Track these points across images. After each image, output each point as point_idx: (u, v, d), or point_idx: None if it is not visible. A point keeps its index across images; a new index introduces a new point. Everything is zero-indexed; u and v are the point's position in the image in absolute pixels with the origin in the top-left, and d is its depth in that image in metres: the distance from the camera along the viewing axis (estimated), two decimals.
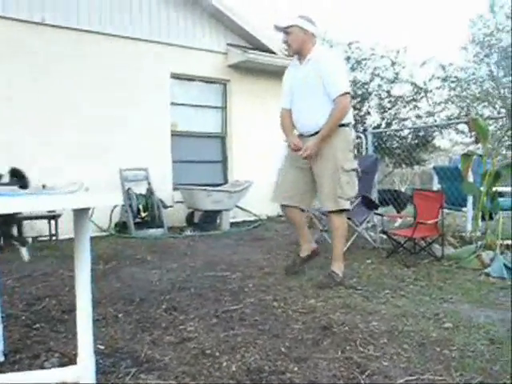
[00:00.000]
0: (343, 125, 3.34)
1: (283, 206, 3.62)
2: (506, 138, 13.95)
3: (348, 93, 3.30)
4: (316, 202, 3.83)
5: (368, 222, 5.18)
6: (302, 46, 3.34)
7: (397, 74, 13.82)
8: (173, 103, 7.19)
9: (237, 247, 5.05)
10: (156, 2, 6.95)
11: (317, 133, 3.31)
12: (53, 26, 6.05)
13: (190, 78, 7.32)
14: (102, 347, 2.21)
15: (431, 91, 14.20)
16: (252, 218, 7.15)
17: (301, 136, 3.49)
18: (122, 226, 6.26)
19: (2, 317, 2.15)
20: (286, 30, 3.34)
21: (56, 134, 6.02)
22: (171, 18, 7.11)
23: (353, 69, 14.38)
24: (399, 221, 6.13)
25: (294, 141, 3.44)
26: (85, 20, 6.30)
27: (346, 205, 3.37)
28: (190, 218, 6.76)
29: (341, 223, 3.42)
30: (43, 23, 5.98)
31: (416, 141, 12.78)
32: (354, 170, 3.42)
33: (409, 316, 2.63)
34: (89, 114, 6.29)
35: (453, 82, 16.12)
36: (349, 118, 3.39)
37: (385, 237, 4.79)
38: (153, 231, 6.14)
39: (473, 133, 5.03)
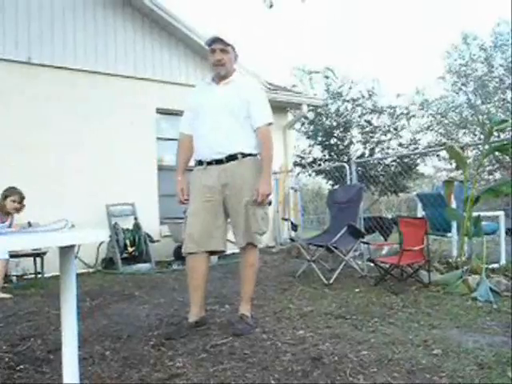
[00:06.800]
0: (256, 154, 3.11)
1: (189, 255, 3.14)
2: (487, 163, 14.25)
3: (272, 123, 3.15)
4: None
5: (355, 250, 5.21)
6: (231, 67, 3.14)
7: (375, 103, 14.23)
8: (159, 138, 7.27)
9: (225, 280, 5.02)
10: (141, 39, 7.11)
11: (231, 156, 3.01)
12: (38, 64, 6.15)
13: (176, 113, 7.41)
14: None
15: (410, 118, 14.61)
16: None
17: (200, 164, 3.13)
18: (108, 262, 6.20)
19: None
20: (225, 48, 3.05)
21: (42, 172, 6.03)
22: (156, 54, 7.26)
23: (333, 98, 14.75)
24: (386, 248, 6.17)
25: (184, 190, 3.18)
26: (70, 58, 6.42)
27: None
28: (177, 252, 6.70)
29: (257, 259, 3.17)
30: (29, 62, 6.08)
31: (399, 168, 13.00)
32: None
33: (398, 344, 2.63)
34: (75, 151, 6.33)
35: (429, 106, 16.64)
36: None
37: (372, 265, 4.82)
38: (140, 266, 6.08)
39: (453, 159, 5.15)
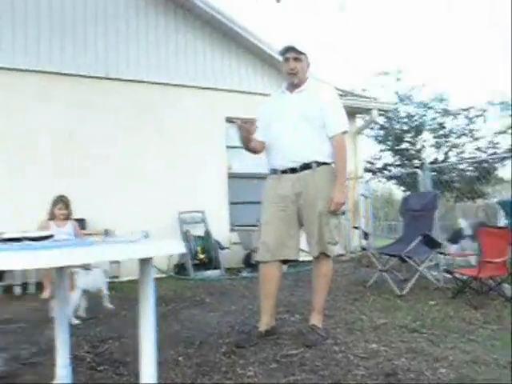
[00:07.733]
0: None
1: (262, 263, 3.08)
2: None
3: (347, 131, 3.12)
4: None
5: (430, 260, 4.99)
6: (304, 76, 3.12)
7: (447, 106, 13.65)
8: (228, 146, 7.40)
9: (295, 288, 4.99)
10: (210, 50, 7.32)
11: (305, 165, 3.00)
12: (113, 79, 6.52)
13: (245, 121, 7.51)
14: None
15: (486, 120, 13.86)
16: (311, 258, 7.05)
17: (274, 173, 3.13)
18: (180, 268, 6.39)
19: (70, 358, 2.22)
20: (298, 57, 3.04)
21: (117, 180, 6.35)
22: (224, 64, 7.43)
23: (403, 101, 14.30)
24: (473, 258, 5.80)
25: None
26: (139, 71, 6.74)
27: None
28: (247, 260, 6.77)
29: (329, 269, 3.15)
30: (107, 77, 6.46)
31: (476, 173, 12.33)
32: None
33: (480, 363, 2.47)
34: (148, 160, 6.61)
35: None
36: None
37: (449, 276, 4.58)
38: (210, 273, 6.22)
39: None
